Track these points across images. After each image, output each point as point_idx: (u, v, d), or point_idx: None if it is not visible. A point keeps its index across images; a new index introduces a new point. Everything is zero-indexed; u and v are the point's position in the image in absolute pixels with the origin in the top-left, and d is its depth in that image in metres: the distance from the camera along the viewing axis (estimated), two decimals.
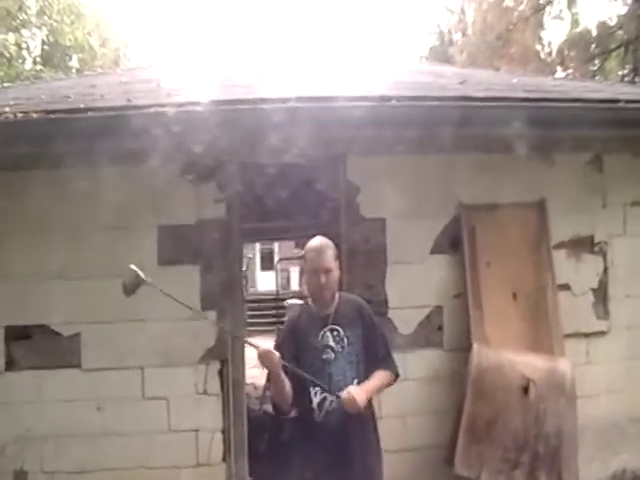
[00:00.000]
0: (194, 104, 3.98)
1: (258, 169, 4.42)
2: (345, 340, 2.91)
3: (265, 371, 2.96)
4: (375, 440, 3.04)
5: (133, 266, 2.80)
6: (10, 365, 4.28)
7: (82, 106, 4.03)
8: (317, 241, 2.98)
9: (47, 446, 4.21)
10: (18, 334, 4.29)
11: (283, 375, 2.80)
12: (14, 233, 4.27)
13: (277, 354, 2.74)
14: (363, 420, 2.91)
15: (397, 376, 3.07)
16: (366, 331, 2.97)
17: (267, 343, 2.95)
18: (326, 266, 2.89)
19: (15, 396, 4.22)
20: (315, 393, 2.87)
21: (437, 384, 4.49)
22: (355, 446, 2.89)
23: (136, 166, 4.11)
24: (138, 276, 2.76)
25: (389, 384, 3.04)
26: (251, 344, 2.88)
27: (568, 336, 4.53)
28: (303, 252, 3.06)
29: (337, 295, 3.00)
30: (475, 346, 4.26)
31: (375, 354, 2.99)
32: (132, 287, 2.80)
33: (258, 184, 4.59)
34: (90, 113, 3.93)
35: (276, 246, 25.48)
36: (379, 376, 2.96)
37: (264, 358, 2.76)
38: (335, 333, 2.92)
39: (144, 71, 6.34)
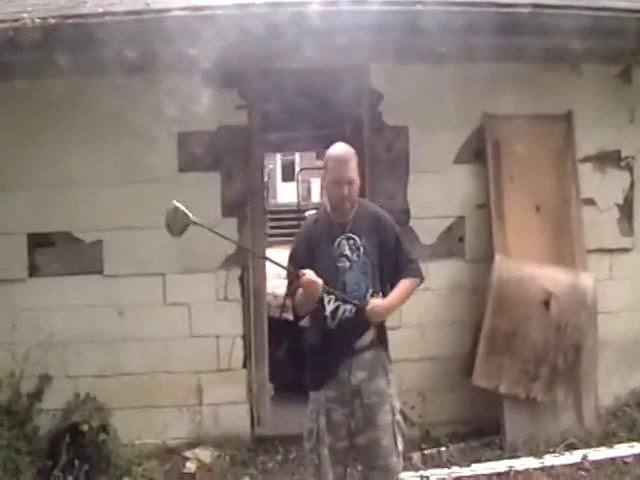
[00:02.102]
0: (214, 8, 3.90)
1: (280, 76, 4.35)
2: (361, 249, 2.83)
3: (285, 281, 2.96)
4: (385, 357, 2.93)
5: (177, 202, 2.61)
6: (33, 271, 4.33)
7: (100, 10, 3.95)
8: (340, 149, 2.86)
9: (70, 351, 4.27)
10: (41, 241, 4.32)
11: None
12: (36, 141, 4.25)
13: (320, 282, 2.66)
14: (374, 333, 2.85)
15: (422, 279, 2.97)
16: (383, 240, 2.88)
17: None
18: (349, 177, 2.78)
19: (38, 302, 4.27)
20: (329, 301, 2.79)
21: (457, 295, 4.48)
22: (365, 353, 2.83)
23: (155, 72, 4.07)
24: (186, 215, 2.56)
25: (413, 290, 2.94)
26: (283, 266, 2.84)
27: (591, 251, 4.49)
28: (325, 159, 2.95)
29: (357, 203, 2.89)
30: (497, 257, 4.22)
31: (394, 263, 2.89)
32: (179, 229, 2.63)
33: (280, 92, 4.51)
34: (108, 17, 3.87)
35: (297, 157, 24.30)
36: (402, 286, 2.88)
37: (309, 288, 2.68)
38: (351, 242, 2.84)
39: None
